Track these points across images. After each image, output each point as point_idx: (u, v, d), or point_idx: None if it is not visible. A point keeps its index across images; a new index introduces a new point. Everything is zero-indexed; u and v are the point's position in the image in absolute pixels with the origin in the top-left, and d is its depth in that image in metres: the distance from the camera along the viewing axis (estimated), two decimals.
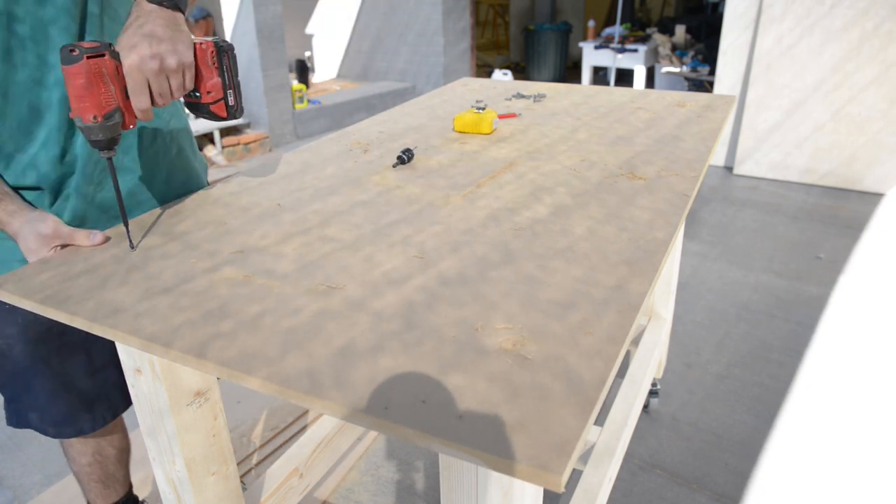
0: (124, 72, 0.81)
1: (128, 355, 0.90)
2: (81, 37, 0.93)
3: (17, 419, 1.12)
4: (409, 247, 0.86)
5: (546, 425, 0.53)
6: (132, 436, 1.82)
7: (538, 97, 1.66)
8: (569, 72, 7.26)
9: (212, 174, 4.32)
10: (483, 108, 1.39)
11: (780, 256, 2.86)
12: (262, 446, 1.78)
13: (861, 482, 1.62)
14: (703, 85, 5.09)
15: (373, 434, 1.83)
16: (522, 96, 1.68)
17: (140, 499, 1.44)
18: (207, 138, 4.71)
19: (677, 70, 5.33)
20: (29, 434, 1.91)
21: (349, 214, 0.98)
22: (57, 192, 0.97)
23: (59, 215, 0.97)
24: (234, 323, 0.71)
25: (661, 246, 0.84)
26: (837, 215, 3.28)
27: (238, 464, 1.72)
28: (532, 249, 0.85)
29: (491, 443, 0.52)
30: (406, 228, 0.92)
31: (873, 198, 3.49)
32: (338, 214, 0.98)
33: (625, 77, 6.00)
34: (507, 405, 0.56)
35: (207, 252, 0.88)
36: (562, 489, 0.48)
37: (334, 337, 0.67)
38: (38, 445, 1.87)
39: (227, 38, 4.91)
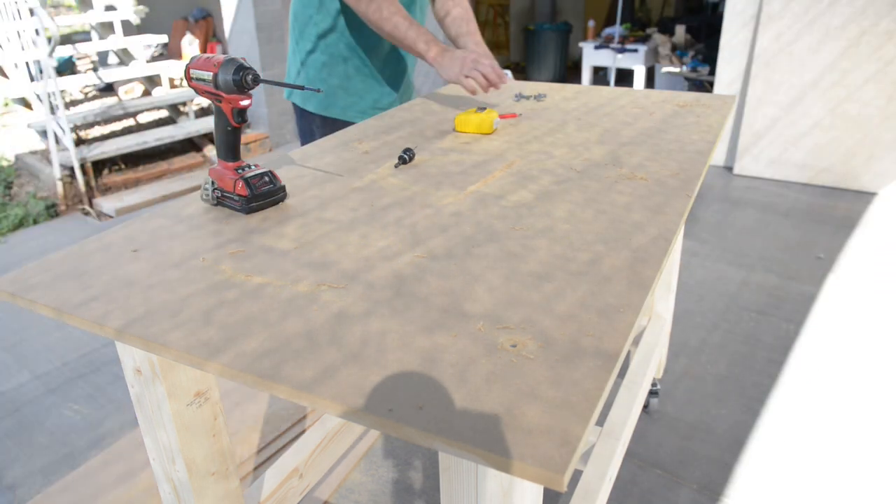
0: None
1: (128, 355, 0.90)
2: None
3: None
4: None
5: (549, 424, 0.53)
6: (132, 435, 1.83)
7: (539, 97, 1.66)
8: (569, 72, 7.26)
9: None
10: (484, 109, 1.39)
11: (778, 256, 2.86)
12: (261, 449, 1.78)
13: (863, 479, 1.62)
14: (703, 85, 5.09)
15: (373, 434, 1.83)
16: (523, 97, 1.68)
17: None
18: (207, 138, 4.71)
19: (677, 70, 5.33)
20: (28, 432, 1.91)
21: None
22: None
23: None
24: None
25: (661, 247, 0.84)
26: (834, 214, 3.28)
27: (238, 465, 1.72)
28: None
29: (493, 442, 0.51)
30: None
31: (869, 196, 3.49)
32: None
33: (625, 77, 5.99)
34: (509, 404, 0.56)
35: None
36: (564, 488, 0.48)
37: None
38: (37, 444, 1.87)
39: (226, 36, 4.91)
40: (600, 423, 1.47)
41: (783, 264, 2.78)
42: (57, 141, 4.00)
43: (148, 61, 5.71)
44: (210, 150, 4.68)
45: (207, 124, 4.62)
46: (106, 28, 5.63)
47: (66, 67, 6.33)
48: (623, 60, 5.43)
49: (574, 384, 0.58)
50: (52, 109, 3.92)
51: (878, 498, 1.58)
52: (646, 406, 1.90)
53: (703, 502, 1.59)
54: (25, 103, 5.23)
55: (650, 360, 1.65)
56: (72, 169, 3.93)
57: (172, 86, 5.56)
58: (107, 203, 3.80)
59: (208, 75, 0.93)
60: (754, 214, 3.32)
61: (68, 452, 1.84)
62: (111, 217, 3.74)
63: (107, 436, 1.90)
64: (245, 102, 0.95)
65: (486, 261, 0.81)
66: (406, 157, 1.19)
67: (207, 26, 7.58)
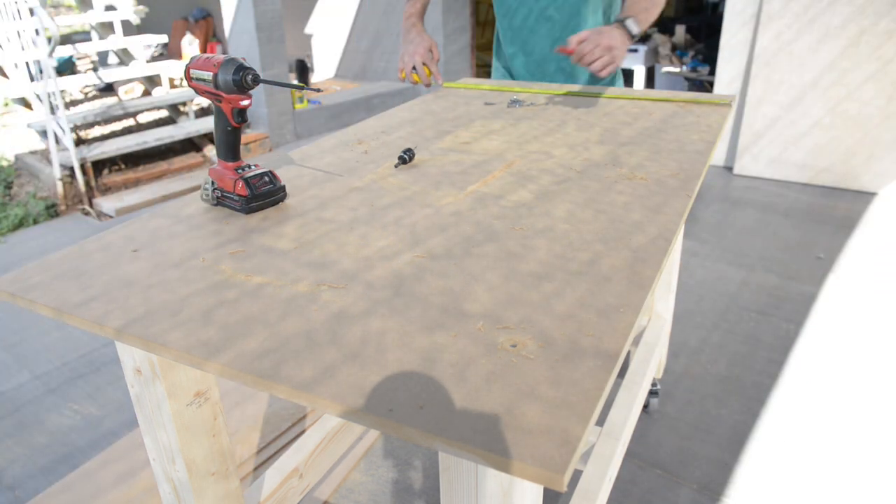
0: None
1: (127, 355, 0.90)
2: None
3: None
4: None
5: (549, 424, 0.53)
6: (132, 435, 1.83)
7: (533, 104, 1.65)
8: None
9: None
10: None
11: (778, 256, 2.86)
12: (261, 449, 1.78)
13: (863, 479, 1.62)
14: (703, 85, 5.10)
15: (373, 434, 1.83)
16: (518, 103, 1.65)
17: None
18: (207, 138, 4.71)
19: (677, 70, 5.33)
20: (28, 432, 1.91)
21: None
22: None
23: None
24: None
25: (661, 248, 0.84)
26: (834, 214, 3.28)
27: (238, 465, 1.72)
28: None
29: (493, 442, 0.51)
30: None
31: (869, 196, 3.49)
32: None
33: (625, 77, 5.99)
34: (509, 404, 0.56)
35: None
36: (564, 488, 0.48)
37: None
38: (37, 444, 1.87)
39: (226, 36, 4.91)
40: (600, 423, 1.47)
41: (783, 264, 2.78)
42: (57, 141, 4.00)
43: (148, 61, 5.71)
44: (210, 150, 4.68)
45: (207, 124, 4.63)
46: (106, 28, 5.63)
47: (66, 67, 6.33)
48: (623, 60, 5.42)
49: (574, 384, 0.58)
50: (52, 109, 3.92)
51: (878, 498, 1.58)
52: (646, 406, 1.90)
53: (703, 502, 1.59)
54: (25, 103, 5.23)
55: (650, 360, 1.65)
56: (72, 169, 3.93)
57: (172, 86, 5.56)
58: (107, 203, 3.80)
59: (208, 75, 0.93)
60: (754, 214, 3.32)
61: (68, 452, 1.85)
62: (111, 217, 3.74)
63: (107, 436, 1.90)
64: (245, 102, 0.95)
65: (486, 260, 0.81)
66: (406, 157, 1.19)
67: (207, 26, 7.58)
